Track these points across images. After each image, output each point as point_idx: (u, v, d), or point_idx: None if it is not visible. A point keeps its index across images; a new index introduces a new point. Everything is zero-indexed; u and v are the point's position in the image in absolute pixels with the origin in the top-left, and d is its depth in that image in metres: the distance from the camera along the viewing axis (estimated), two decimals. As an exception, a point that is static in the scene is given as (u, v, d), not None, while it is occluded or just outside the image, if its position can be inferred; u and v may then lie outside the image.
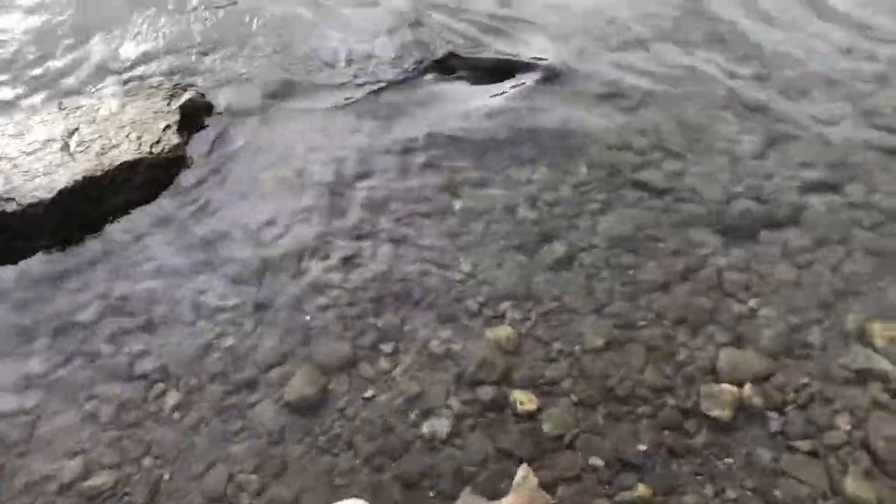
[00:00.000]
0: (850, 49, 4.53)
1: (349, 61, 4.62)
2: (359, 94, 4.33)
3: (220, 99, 4.30)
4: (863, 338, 3.02)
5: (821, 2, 4.99)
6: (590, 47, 4.67)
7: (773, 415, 2.76)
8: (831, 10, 4.94)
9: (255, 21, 5.05)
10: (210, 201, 3.69)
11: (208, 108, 3.99)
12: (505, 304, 3.21)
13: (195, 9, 5.23)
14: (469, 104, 4.26)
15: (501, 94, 4.33)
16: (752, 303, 3.19)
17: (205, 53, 4.73)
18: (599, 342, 3.05)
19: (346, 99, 4.31)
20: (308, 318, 3.14)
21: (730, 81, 4.37)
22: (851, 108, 4.13)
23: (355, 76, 4.46)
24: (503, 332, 3.10)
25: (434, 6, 5.15)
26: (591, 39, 4.74)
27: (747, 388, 2.84)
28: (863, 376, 2.90)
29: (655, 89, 4.30)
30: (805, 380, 2.89)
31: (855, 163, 3.78)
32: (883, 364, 2.92)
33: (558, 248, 3.43)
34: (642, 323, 3.12)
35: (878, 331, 3.01)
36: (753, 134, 3.98)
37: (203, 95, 4.06)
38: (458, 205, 3.67)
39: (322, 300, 3.21)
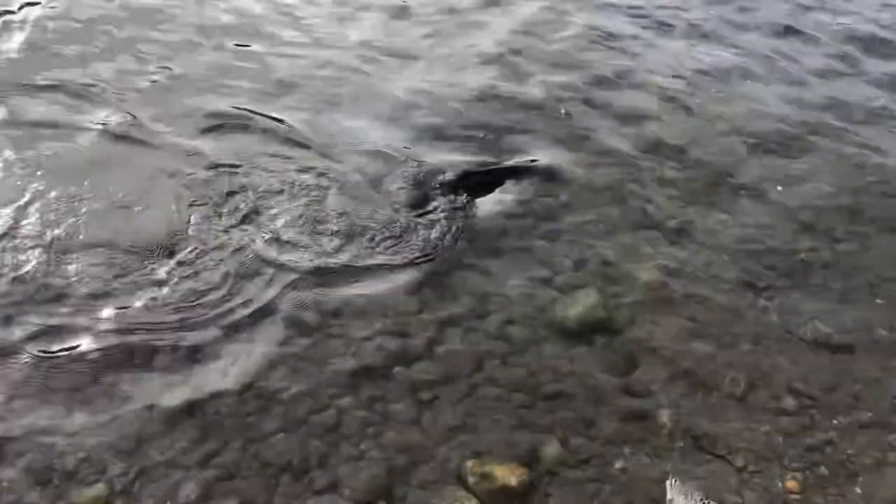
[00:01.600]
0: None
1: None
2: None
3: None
4: (460, 477, 3.04)
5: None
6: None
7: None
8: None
9: None
10: None
11: None
12: (107, 461, 3.01)
13: None
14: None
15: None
16: (363, 445, 3.17)
17: None
18: (193, 496, 2.90)
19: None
20: None
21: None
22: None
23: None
24: (93, 492, 2.89)
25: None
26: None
27: (323, 540, 2.76)
28: (453, 516, 2.90)
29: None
30: (391, 526, 2.85)
31: (494, 292, 3.95)
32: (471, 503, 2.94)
33: (177, 397, 3.30)
34: (245, 473, 3.01)
35: (472, 468, 3.05)
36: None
37: None
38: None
39: None
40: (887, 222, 4.71)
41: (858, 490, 3.14)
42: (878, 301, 4.10)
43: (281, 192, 4.43)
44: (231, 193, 4.37)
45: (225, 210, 4.25)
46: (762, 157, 5.26)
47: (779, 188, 4.92)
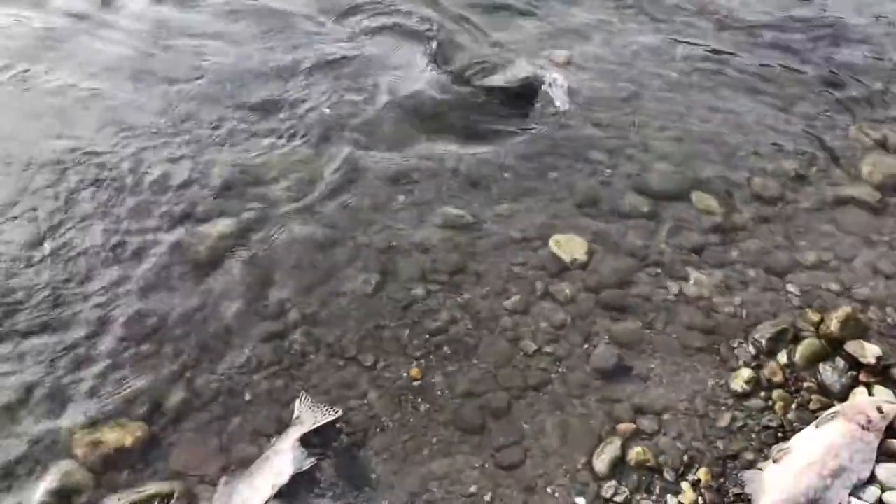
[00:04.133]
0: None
1: None
2: None
3: None
4: (69, 451, 2.88)
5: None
6: None
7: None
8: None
9: None
10: None
11: None
12: None
13: None
14: None
15: None
16: None
17: None
18: None
19: None
20: None
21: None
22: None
23: None
24: None
25: None
26: None
27: None
28: (61, 494, 2.76)
29: None
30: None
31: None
32: (80, 475, 2.80)
33: None
34: None
35: (80, 438, 2.90)
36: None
37: None
38: None
39: None
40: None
41: (475, 361, 3.39)
42: (506, 175, 4.33)
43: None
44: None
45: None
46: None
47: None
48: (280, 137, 4.38)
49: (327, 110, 4.60)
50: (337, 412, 3.06)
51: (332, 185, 4.15)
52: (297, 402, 3.10)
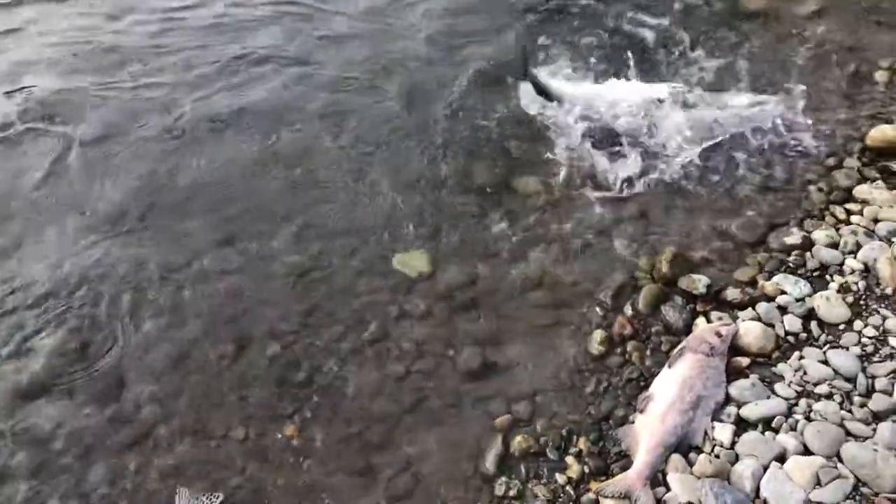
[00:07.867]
0: None
1: None
2: None
3: None
4: None
5: None
6: None
7: None
8: None
9: None
10: None
11: None
12: None
13: None
14: None
15: None
16: None
17: None
18: None
19: None
20: None
21: None
22: None
23: None
24: None
25: None
26: None
27: None
28: None
29: None
30: None
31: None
32: None
33: None
34: None
35: None
36: None
37: None
38: None
39: None
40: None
41: (348, 401, 3.39)
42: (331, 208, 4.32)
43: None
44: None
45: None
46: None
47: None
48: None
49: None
50: (219, 497, 2.97)
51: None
52: (176, 500, 2.99)
